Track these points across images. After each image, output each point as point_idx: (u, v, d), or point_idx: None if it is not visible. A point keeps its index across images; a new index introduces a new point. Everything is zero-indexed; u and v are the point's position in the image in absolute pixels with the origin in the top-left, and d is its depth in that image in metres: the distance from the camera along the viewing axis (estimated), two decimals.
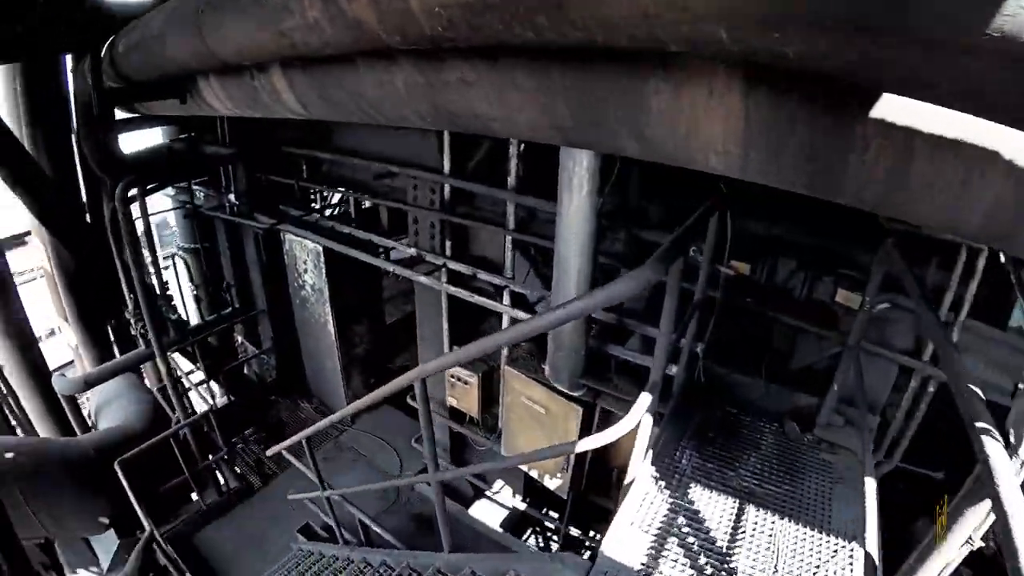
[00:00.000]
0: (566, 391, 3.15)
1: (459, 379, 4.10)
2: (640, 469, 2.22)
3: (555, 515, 5.00)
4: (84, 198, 7.25)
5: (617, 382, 3.16)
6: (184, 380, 6.04)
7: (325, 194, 6.81)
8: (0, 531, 2.09)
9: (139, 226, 6.62)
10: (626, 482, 2.20)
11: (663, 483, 2.29)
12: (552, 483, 3.61)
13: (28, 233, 7.69)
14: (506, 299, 3.64)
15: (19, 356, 7.02)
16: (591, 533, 4.71)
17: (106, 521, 5.70)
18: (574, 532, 4.51)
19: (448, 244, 3.89)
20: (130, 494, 4.75)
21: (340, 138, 4.69)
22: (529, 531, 6.19)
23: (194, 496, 5.68)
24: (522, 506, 4.89)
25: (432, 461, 2.20)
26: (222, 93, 3.01)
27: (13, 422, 7.84)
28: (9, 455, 5.25)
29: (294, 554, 4.28)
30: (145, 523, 4.82)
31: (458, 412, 4.50)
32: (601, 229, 2.67)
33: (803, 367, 2.95)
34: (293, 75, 2.32)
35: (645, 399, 2.02)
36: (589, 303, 1.59)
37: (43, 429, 7.47)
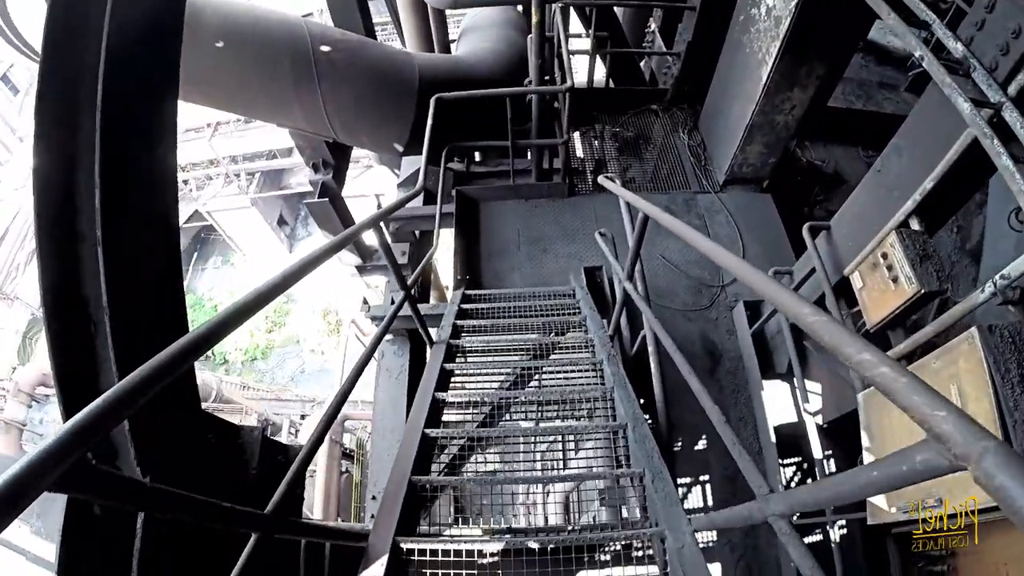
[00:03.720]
0: None
1: (891, 276, 2.42)
2: None
3: None
4: None
5: None
6: (563, 42, 4.78)
7: None
8: None
9: None
10: None
11: None
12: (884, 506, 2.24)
13: None
14: None
15: None
16: None
17: (400, 149, 5.31)
18: None
19: (1021, 76, 2.10)
20: (427, 132, 4.13)
21: None
22: None
23: (505, 165, 4.99)
24: None
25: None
26: None
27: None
28: (325, 48, 4.64)
29: (565, 291, 3.93)
30: (422, 171, 4.03)
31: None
32: None
33: None
34: None
35: None
36: None
37: (412, 42, 7.62)
